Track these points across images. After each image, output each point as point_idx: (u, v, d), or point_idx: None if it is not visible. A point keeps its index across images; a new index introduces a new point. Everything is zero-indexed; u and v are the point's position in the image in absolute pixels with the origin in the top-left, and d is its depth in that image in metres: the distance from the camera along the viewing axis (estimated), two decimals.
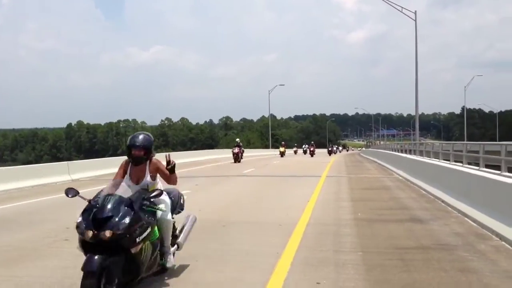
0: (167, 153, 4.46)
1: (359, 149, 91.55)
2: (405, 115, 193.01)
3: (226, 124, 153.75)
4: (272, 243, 5.98)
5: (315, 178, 15.95)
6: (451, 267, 4.80)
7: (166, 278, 4.50)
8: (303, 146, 53.05)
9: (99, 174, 17.82)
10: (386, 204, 9.65)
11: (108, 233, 3.46)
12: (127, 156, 4.30)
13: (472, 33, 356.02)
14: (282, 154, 41.02)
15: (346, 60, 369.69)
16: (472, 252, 5.45)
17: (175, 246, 4.63)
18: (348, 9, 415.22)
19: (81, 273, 3.46)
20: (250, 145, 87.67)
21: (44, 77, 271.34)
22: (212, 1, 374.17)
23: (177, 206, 4.63)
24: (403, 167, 16.77)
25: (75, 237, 3.69)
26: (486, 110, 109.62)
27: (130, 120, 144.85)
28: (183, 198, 4.81)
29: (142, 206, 3.88)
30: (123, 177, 4.29)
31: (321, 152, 53.17)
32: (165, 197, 4.33)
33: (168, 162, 4.29)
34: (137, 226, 3.66)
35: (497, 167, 10.43)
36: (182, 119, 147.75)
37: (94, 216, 3.58)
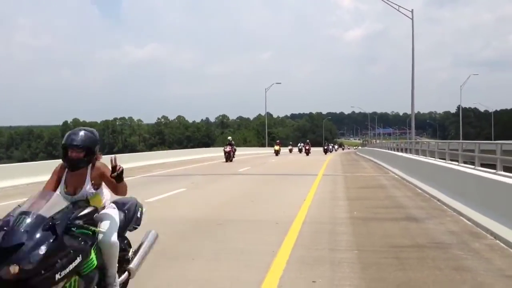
0: (113, 156, 3.42)
1: (355, 147, 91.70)
2: (401, 114, 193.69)
3: (223, 122, 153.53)
4: (268, 241, 5.99)
5: (311, 176, 15.97)
6: (445, 266, 4.82)
7: (160, 276, 4.50)
8: (299, 144, 52.98)
9: None
10: (382, 203, 9.68)
11: (13, 269, 2.47)
12: (62, 159, 3.36)
13: (468, 32, 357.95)
14: (277, 152, 40.79)
15: (342, 58, 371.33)
16: (466, 251, 5.47)
17: (125, 273, 3.57)
18: (345, 7, 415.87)
19: None
20: (246, 143, 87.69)
21: (39, 74, 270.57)
22: None
23: (132, 221, 3.72)
24: (399, 166, 16.82)
25: None
26: (482, 109, 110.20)
27: (127, 118, 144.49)
28: (142, 210, 3.89)
29: (70, 227, 2.87)
30: (57, 186, 3.38)
31: (316, 150, 53.23)
32: (112, 211, 3.45)
33: (114, 168, 3.27)
34: (58, 257, 2.65)
35: (493, 166, 10.46)
36: (179, 117, 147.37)
37: None
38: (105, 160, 3.51)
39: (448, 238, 6.22)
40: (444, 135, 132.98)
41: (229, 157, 27.94)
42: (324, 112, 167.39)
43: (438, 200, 9.35)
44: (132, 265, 3.61)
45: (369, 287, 4.23)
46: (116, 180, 3.31)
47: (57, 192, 3.30)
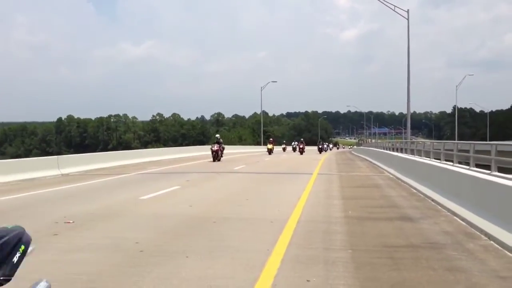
0: None
1: (350, 147, 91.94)
2: (396, 113, 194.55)
3: (218, 120, 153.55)
4: (262, 240, 5.97)
5: (306, 175, 15.98)
6: (439, 266, 4.82)
7: (154, 273, 4.47)
8: (293, 143, 52.84)
9: (89, 168, 17.64)
10: (376, 202, 9.68)
11: None
12: None
13: (463, 32, 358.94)
14: (270, 151, 40.09)
15: (338, 57, 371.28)
16: (460, 251, 5.48)
17: None
18: (341, 7, 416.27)
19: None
20: (242, 141, 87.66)
21: (34, 71, 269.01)
22: None
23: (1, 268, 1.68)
24: (394, 166, 16.85)
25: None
26: (477, 109, 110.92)
27: (121, 115, 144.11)
28: (25, 250, 1.80)
29: None
30: None
31: (311, 149, 53.26)
32: None
33: None
34: None
35: (487, 167, 10.50)
36: (174, 114, 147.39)
37: None
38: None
39: (443, 238, 6.22)
40: (440, 135, 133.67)
41: (216, 156, 25.93)
42: (320, 111, 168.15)
43: (433, 200, 9.37)
44: None
45: (363, 287, 4.22)
46: None
47: None
